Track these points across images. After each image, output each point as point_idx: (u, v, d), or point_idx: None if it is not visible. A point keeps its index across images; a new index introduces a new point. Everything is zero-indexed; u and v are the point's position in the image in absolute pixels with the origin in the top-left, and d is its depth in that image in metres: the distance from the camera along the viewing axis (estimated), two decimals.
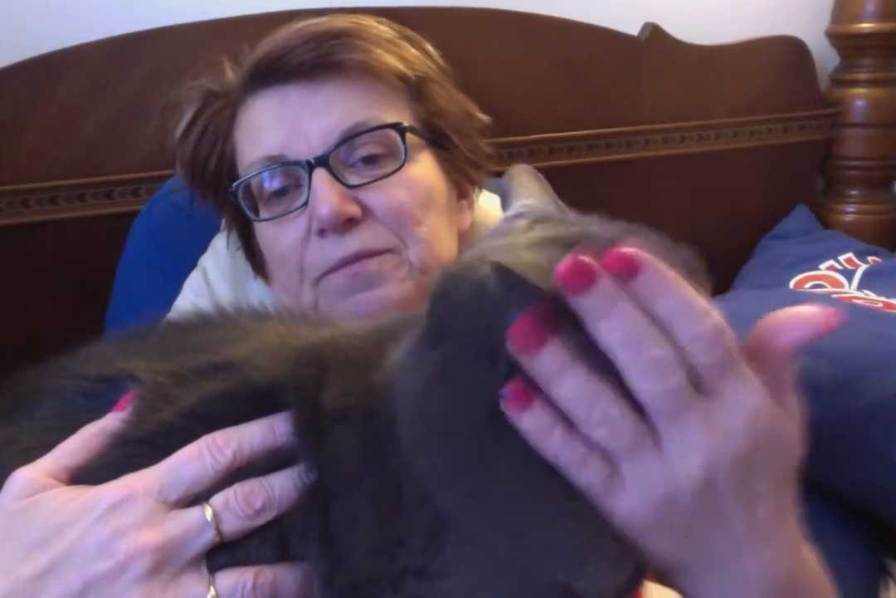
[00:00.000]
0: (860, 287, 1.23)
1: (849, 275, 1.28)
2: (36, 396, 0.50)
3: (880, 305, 1.11)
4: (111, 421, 0.46)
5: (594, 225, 0.43)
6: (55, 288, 1.10)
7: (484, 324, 0.38)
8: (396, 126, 0.74)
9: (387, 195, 0.73)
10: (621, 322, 0.36)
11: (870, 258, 1.33)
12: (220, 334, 0.51)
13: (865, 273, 1.27)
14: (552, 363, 0.37)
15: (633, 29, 1.34)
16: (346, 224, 0.71)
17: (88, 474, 0.45)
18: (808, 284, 1.28)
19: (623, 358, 0.36)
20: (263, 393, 0.45)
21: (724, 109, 1.41)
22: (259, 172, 0.75)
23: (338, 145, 0.72)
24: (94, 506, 0.42)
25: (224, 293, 0.93)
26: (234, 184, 0.77)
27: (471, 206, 0.86)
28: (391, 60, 0.76)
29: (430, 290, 0.41)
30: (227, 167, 0.81)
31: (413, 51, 0.80)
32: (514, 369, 0.38)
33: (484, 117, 0.85)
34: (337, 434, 0.42)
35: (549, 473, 0.38)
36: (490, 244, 0.42)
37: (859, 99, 1.45)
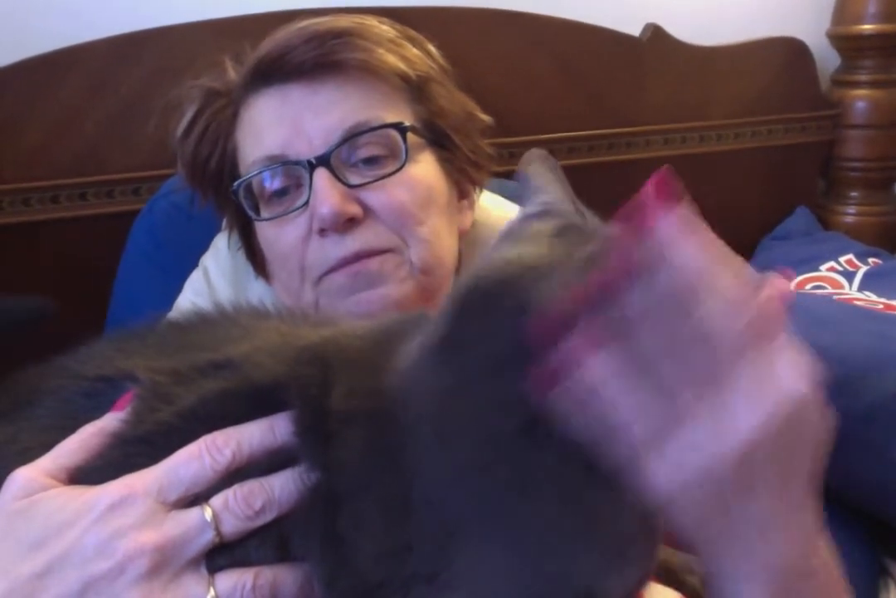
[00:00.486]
0: (861, 288, 1.23)
1: (849, 276, 1.28)
2: (35, 395, 0.50)
3: (881, 306, 1.11)
4: (110, 421, 0.46)
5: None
6: (56, 287, 1.09)
7: (505, 330, 0.38)
8: (398, 126, 0.74)
9: (388, 195, 0.73)
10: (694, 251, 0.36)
11: (870, 260, 1.33)
12: (220, 332, 0.51)
13: (866, 274, 1.27)
14: (586, 342, 0.36)
15: (635, 29, 1.34)
16: (347, 224, 0.71)
17: (87, 474, 0.45)
18: (808, 286, 1.28)
19: (694, 291, 0.36)
20: (264, 392, 0.45)
21: (725, 110, 1.41)
22: (260, 172, 0.75)
23: (339, 145, 0.72)
24: (93, 506, 0.42)
25: (225, 292, 0.93)
26: (235, 183, 0.77)
27: (471, 206, 0.86)
28: (393, 60, 0.76)
29: (452, 295, 0.41)
30: (228, 166, 0.81)
31: (414, 51, 0.80)
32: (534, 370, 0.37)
33: (485, 118, 0.85)
34: (345, 437, 0.42)
35: (575, 478, 0.38)
36: (515, 250, 0.41)
37: (860, 100, 1.45)
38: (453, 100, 0.82)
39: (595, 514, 0.38)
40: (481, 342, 0.39)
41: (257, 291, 0.91)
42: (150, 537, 0.41)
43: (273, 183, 0.75)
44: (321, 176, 0.71)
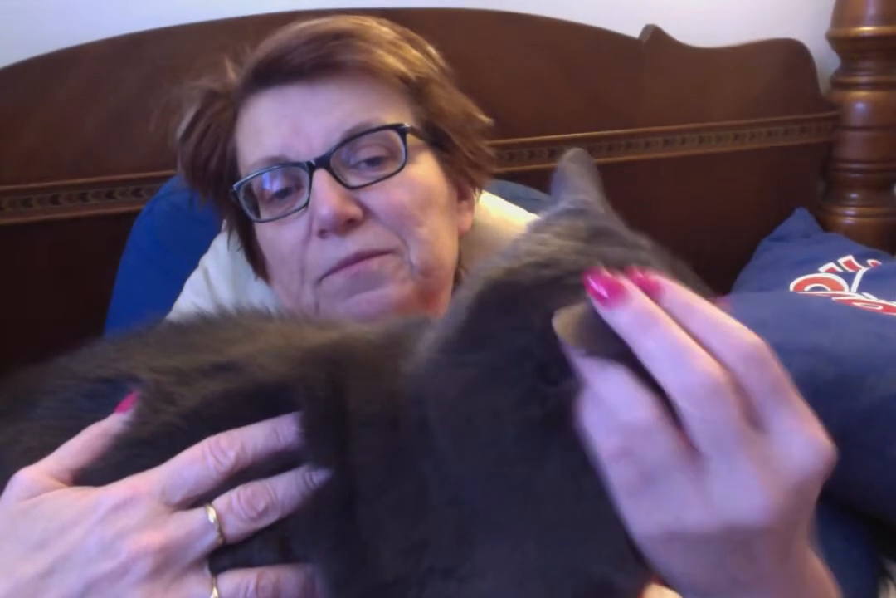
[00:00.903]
0: (860, 290, 1.23)
1: (849, 278, 1.28)
2: (36, 396, 0.50)
3: (880, 307, 1.11)
4: (114, 422, 0.46)
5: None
6: (56, 288, 1.10)
7: (526, 327, 0.38)
8: (397, 127, 0.74)
9: (387, 196, 0.73)
10: (665, 336, 0.35)
11: (870, 261, 1.34)
12: (222, 333, 0.51)
13: (865, 276, 1.27)
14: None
15: (634, 31, 1.34)
16: (347, 225, 0.71)
17: (91, 475, 0.45)
18: (807, 287, 1.28)
19: (672, 380, 0.34)
20: (268, 393, 0.45)
21: (725, 112, 1.42)
22: (259, 173, 0.75)
23: (339, 146, 0.72)
24: (96, 507, 0.42)
25: (225, 293, 0.93)
26: (235, 185, 0.77)
27: (471, 207, 0.86)
28: (392, 61, 0.76)
29: (470, 293, 0.41)
30: (228, 168, 0.81)
31: (414, 52, 0.80)
32: (553, 369, 0.37)
33: (485, 119, 0.85)
34: (363, 442, 0.42)
35: (596, 474, 0.38)
36: (543, 246, 0.41)
37: (860, 102, 1.45)
38: (453, 101, 0.82)
39: (613, 508, 0.38)
40: (500, 342, 0.39)
41: (258, 292, 0.91)
42: (154, 538, 0.41)
43: (273, 184, 0.75)
44: (321, 177, 0.71)
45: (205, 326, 0.53)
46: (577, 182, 0.48)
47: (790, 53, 1.45)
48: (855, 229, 1.47)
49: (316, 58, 0.73)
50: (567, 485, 0.38)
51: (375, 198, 0.72)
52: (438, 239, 0.75)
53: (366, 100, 0.75)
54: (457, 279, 0.81)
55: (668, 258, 0.42)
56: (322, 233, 0.72)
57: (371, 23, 0.80)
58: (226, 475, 0.43)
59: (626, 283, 0.36)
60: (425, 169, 0.77)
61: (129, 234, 1.04)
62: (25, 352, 0.53)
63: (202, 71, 0.84)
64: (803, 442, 0.35)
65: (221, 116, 0.81)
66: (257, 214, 0.78)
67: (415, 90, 0.78)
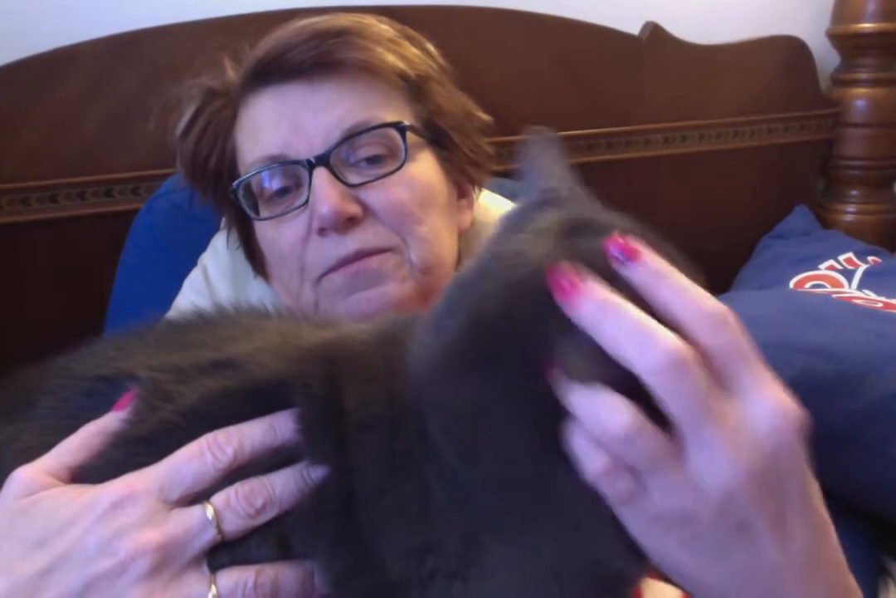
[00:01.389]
0: (860, 287, 1.23)
1: (849, 275, 1.28)
2: (35, 395, 0.50)
3: (880, 305, 1.11)
4: (112, 420, 0.46)
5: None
6: (55, 286, 1.10)
7: (525, 344, 0.38)
8: (397, 125, 0.74)
9: (387, 194, 0.73)
10: (622, 319, 0.35)
11: (870, 258, 1.34)
12: (220, 332, 0.51)
13: (865, 273, 1.27)
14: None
15: (634, 28, 1.34)
16: (347, 223, 0.71)
17: (89, 473, 0.45)
18: (807, 284, 1.28)
19: (633, 357, 0.35)
20: (266, 391, 0.45)
21: (725, 109, 1.42)
22: (259, 171, 0.75)
23: (338, 144, 0.72)
24: (94, 505, 0.42)
25: (224, 292, 0.93)
26: (235, 183, 0.77)
27: (471, 205, 0.86)
28: (392, 59, 0.76)
29: (457, 303, 0.41)
30: (227, 166, 0.81)
31: (414, 50, 0.80)
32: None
33: (485, 117, 0.85)
34: (362, 443, 0.42)
35: None
36: (525, 249, 0.41)
37: (860, 99, 1.45)
38: (452, 99, 0.82)
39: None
40: (504, 362, 0.39)
41: (257, 291, 0.91)
42: (152, 535, 0.41)
43: (272, 183, 0.75)
44: (320, 175, 0.71)
45: (203, 324, 0.53)
46: (542, 165, 0.48)
47: (790, 50, 1.44)
48: (855, 227, 1.47)
49: (315, 56, 0.73)
50: (583, 486, 0.38)
51: (375, 196, 0.72)
52: (438, 237, 0.75)
53: (365, 98, 0.75)
54: None
55: (654, 239, 0.42)
56: (322, 231, 0.72)
57: (370, 20, 0.79)
58: (224, 472, 0.43)
59: (580, 279, 0.36)
60: (425, 167, 0.77)
61: (128, 232, 1.04)
62: (25, 351, 0.53)
63: (201, 69, 0.84)
64: (768, 405, 0.36)
65: (221, 114, 0.81)
66: (256, 212, 0.78)
67: (414, 88, 0.78)
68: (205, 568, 0.42)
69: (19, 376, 0.53)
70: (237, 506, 0.42)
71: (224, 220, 0.90)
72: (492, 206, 0.94)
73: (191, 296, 0.94)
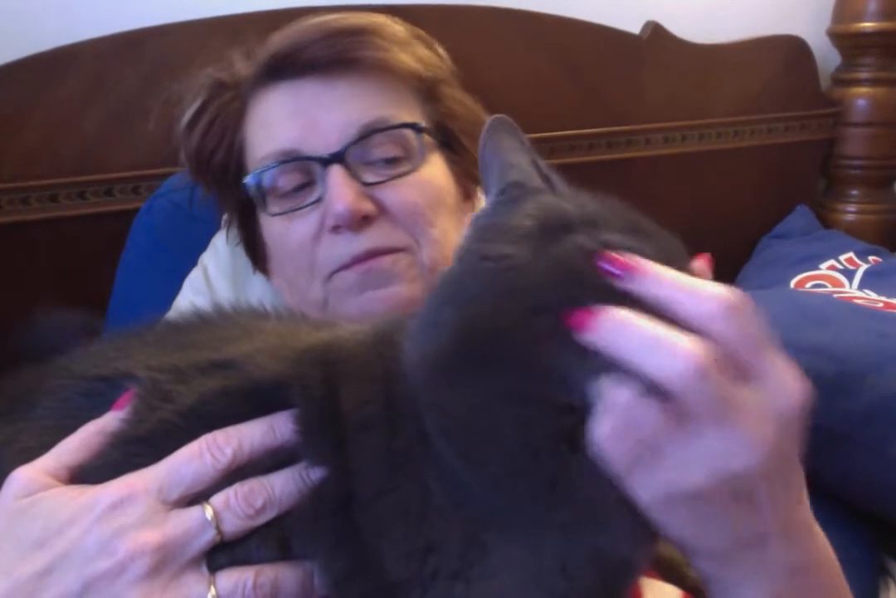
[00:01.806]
0: (861, 287, 1.23)
1: (849, 275, 1.28)
2: (34, 395, 0.50)
3: (881, 304, 1.11)
4: (111, 420, 0.46)
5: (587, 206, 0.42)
6: (55, 286, 1.10)
7: (520, 335, 0.38)
8: (414, 126, 0.74)
9: (402, 195, 0.72)
10: (636, 333, 0.36)
11: (870, 258, 1.33)
12: (219, 332, 0.51)
13: (866, 273, 1.27)
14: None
15: (635, 27, 1.34)
16: (361, 222, 0.71)
17: (88, 473, 0.45)
18: (808, 284, 1.28)
19: (658, 372, 0.36)
20: (265, 391, 0.45)
21: (725, 108, 1.41)
22: (273, 166, 0.74)
23: (355, 141, 0.72)
24: (94, 505, 0.42)
25: (225, 291, 0.93)
26: (249, 177, 0.76)
27: (474, 208, 0.86)
28: (407, 60, 0.76)
29: (443, 307, 0.41)
30: (234, 160, 0.80)
31: (427, 51, 0.80)
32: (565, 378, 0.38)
33: None
34: (361, 444, 0.42)
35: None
36: (504, 252, 0.41)
37: (860, 98, 1.45)
38: (462, 102, 0.82)
39: (628, 498, 0.39)
40: (501, 367, 0.39)
41: (257, 291, 0.91)
42: (151, 536, 0.41)
43: (285, 178, 0.74)
44: (336, 173, 0.71)
45: (202, 325, 0.53)
46: (503, 158, 0.47)
47: (791, 50, 1.44)
48: (856, 226, 1.47)
49: (333, 53, 0.73)
50: (590, 478, 0.39)
51: (390, 196, 0.72)
52: (447, 239, 0.75)
53: (380, 97, 0.75)
54: None
55: (624, 212, 0.42)
56: (335, 228, 0.71)
57: (385, 20, 0.79)
58: (223, 473, 0.43)
59: (585, 311, 0.37)
60: (437, 169, 0.77)
61: (128, 232, 1.04)
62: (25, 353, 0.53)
63: (202, 68, 0.84)
64: (781, 383, 0.38)
65: (229, 106, 0.80)
66: (266, 207, 0.77)
67: (427, 90, 0.78)
68: (204, 569, 0.42)
69: (19, 377, 0.53)
70: (236, 507, 0.42)
71: (225, 215, 0.89)
72: None
73: (191, 296, 0.94)
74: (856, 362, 0.87)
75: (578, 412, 0.38)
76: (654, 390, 0.36)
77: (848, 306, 1.05)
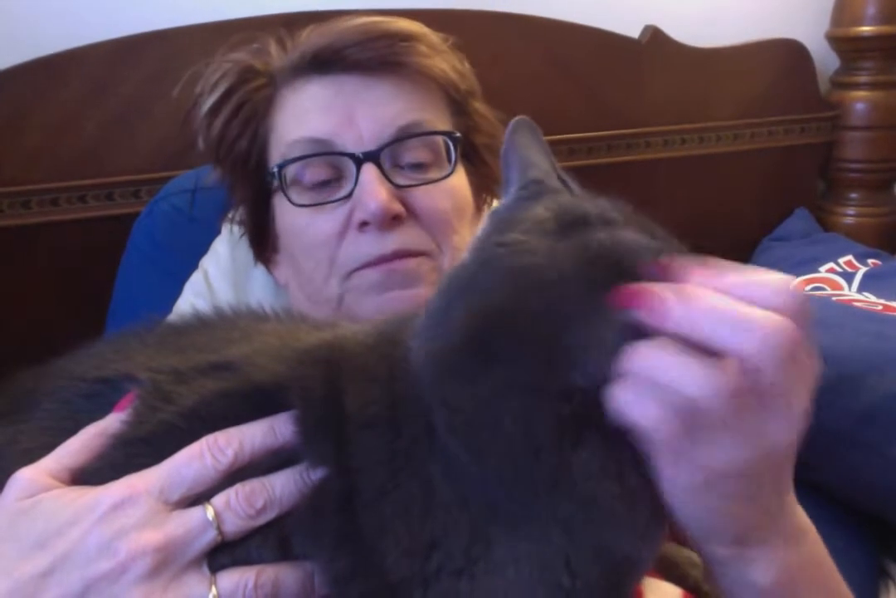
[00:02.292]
0: (860, 290, 1.23)
1: (849, 277, 1.28)
2: (35, 397, 0.50)
3: (880, 307, 1.11)
4: (112, 422, 0.46)
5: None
6: (56, 289, 1.10)
7: (535, 345, 0.38)
8: (451, 134, 0.76)
9: (432, 201, 0.73)
10: (716, 307, 0.37)
11: (870, 261, 1.34)
12: (219, 334, 0.51)
13: (865, 276, 1.27)
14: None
15: (634, 31, 1.34)
16: (391, 222, 0.71)
17: (90, 474, 0.45)
18: (808, 287, 1.28)
19: (738, 342, 0.37)
20: (265, 393, 0.45)
21: (725, 112, 1.42)
22: (305, 157, 0.74)
23: (391, 142, 0.73)
24: (95, 506, 0.42)
25: (225, 294, 0.93)
26: (277, 164, 0.75)
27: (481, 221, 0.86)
28: (448, 69, 0.77)
29: (455, 302, 0.41)
30: (257, 146, 0.80)
31: (460, 65, 0.81)
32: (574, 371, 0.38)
33: None
34: (364, 444, 0.42)
35: (618, 465, 0.39)
36: (518, 252, 0.41)
37: (859, 102, 1.45)
38: (487, 117, 0.83)
39: (633, 494, 0.39)
40: (511, 359, 0.39)
41: (257, 293, 0.91)
42: (152, 537, 0.41)
43: (312, 170, 0.74)
44: (370, 171, 0.71)
45: (202, 327, 0.53)
46: (525, 156, 0.48)
47: (790, 53, 1.45)
48: (855, 229, 1.47)
49: (383, 55, 0.74)
50: (596, 472, 0.39)
51: (419, 200, 0.73)
52: (465, 249, 0.75)
53: (418, 102, 0.75)
54: None
55: (631, 214, 0.43)
56: (363, 226, 0.71)
57: (426, 29, 0.80)
58: (224, 474, 0.43)
59: (647, 289, 0.38)
60: (462, 179, 0.78)
61: (129, 235, 1.05)
62: (26, 354, 0.53)
63: (201, 73, 0.84)
64: (814, 363, 0.41)
65: (259, 93, 0.79)
66: (289, 197, 0.76)
67: (459, 102, 0.79)
68: (205, 569, 0.42)
69: (19, 378, 0.53)
70: (237, 507, 0.42)
71: (227, 215, 0.88)
72: None
73: (191, 298, 0.94)
74: (855, 363, 0.87)
75: (585, 398, 0.38)
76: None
77: (847, 308, 1.05)
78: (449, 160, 0.76)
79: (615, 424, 0.39)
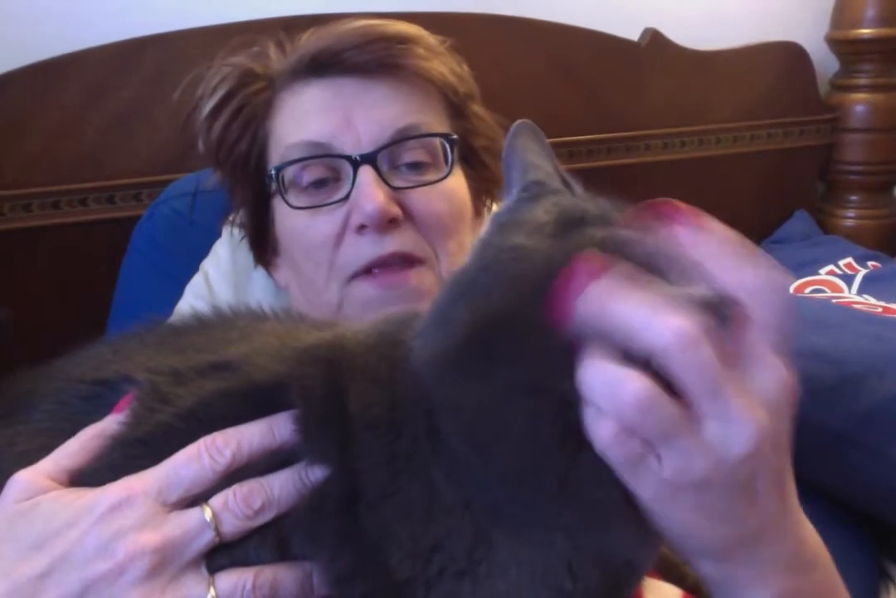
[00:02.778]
0: (860, 292, 1.23)
1: (849, 280, 1.28)
2: (33, 398, 0.50)
3: (880, 309, 1.11)
4: (110, 423, 0.46)
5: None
6: (57, 292, 1.10)
7: (531, 346, 0.38)
8: (448, 136, 0.76)
9: (428, 203, 0.73)
10: (624, 308, 0.36)
11: (869, 263, 1.34)
12: (218, 334, 0.51)
13: (865, 278, 1.27)
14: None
15: (634, 34, 1.35)
16: (388, 225, 0.71)
17: (88, 476, 0.45)
18: (808, 289, 1.28)
19: (650, 342, 0.36)
20: (264, 393, 0.45)
21: (725, 114, 1.42)
22: (303, 159, 0.74)
23: (389, 144, 0.73)
24: (93, 508, 0.42)
25: (226, 297, 0.93)
26: (276, 166, 0.76)
27: (481, 224, 0.86)
28: (447, 72, 0.78)
29: (455, 305, 0.41)
30: (256, 149, 0.80)
31: (458, 67, 0.81)
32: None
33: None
34: (367, 445, 0.42)
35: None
36: (523, 249, 0.41)
37: (859, 104, 1.45)
38: (486, 121, 0.83)
39: (634, 498, 0.39)
40: (512, 359, 0.39)
41: (257, 295, 0.91)
42: (150, 538, 0.41)
43: (309, 171, 0.74)
44: (367, 173, 0.71)
45: (201, 327, 0.53)
46: (526, 158, 0.48)
47: (789, 56, 1.45)
48: (855, 231, 1.48)
49: (381, 57, 0.74)
50: (599, 475, 0.39)
51: (416, 203, 0.73)
52: (462, 253, 0.75)
53: (416, 104, 0.76)
54: None
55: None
56: (361, 229, 0.71)
57: (425, 32, 0.80)
58: (222, 474, 0.43)
59: (573, 283, 0.37)
60: (460, 182, 0.78)
61: (129, 238, 1.05)
62: (26, 356, 0.53)
63: (202, 76, 0.84)
64: (774, 372, 0.38)
65: (258, 97, 0.79)
66: (287, 199, 0.77)
67: (457, 105, 0.79)
68: (203, 570, 0.42)
69: (18, 380, 0.53)
70: (235, 508, 0.42)
71: (227, 218, 0.88)
72: None
73: (192, 301, 0.94)
74: (855, 365, 0.87)
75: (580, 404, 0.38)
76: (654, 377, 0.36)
77: (847, 310, 1.05)
78: (446, 162, 0.76)
79: None
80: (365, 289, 0.72)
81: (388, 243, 0.71)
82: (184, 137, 0.84)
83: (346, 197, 0.72)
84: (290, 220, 0.77)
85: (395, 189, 0.72)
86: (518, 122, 0.50)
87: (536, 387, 0.39)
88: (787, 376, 0.38)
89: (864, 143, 1.46)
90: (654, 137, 1.37)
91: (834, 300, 1.17)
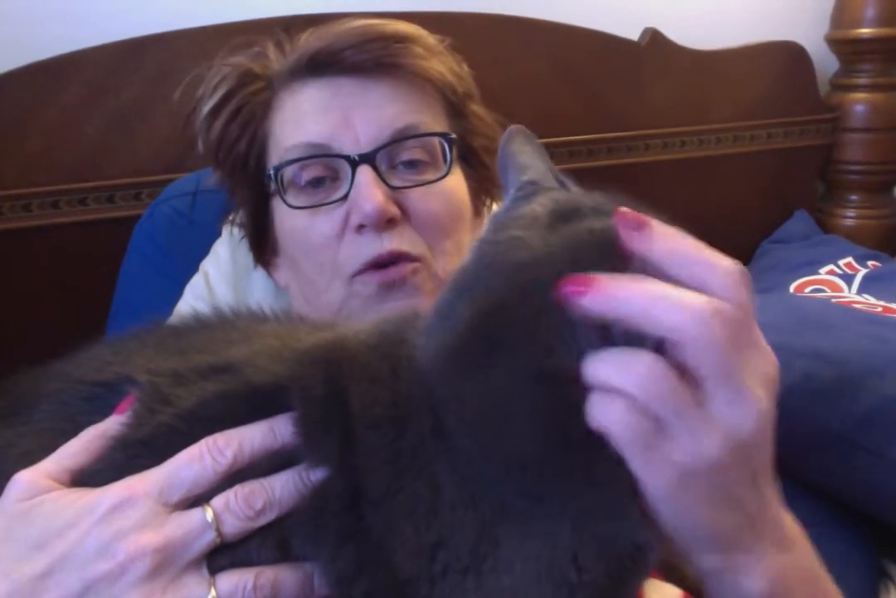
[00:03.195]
0: (860, 292, 1.23)
1: (849, 279, 1.28)
2: (34, 399, 0.50)
3: (880, 309, 1.11)
4: (112, 424, 0.46)
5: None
6: (57, 292, 1.10)
7: (536, 322, 0.39)
8: (447, 136, 0.76)
9: (426, 202, 0.73)
10: (639, 293, 0.37)
11: (869, 263, 1.34)
12: (218, 336, 0.51)
13: (865, 277, 1.27)
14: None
15: (634, 34, 1.35)
16: (386, 224, 0.71)
17: (89, 476, 0.45)
18: (807, 289, 1.28)
19: (665, 324, 0.37)
20: (265, 394, 0.45)
21: (725, 114, 1.42)
22: (302, 159, 0.74)
23: (387, 144, 0.73)
24: (94, 508, 0.42)
25: (226, 297, 0.93)
26: (274, 166, 0.76)
27: (481, 225, 0.86)
28: (446, 72, 0.78)
29: (459, 300, 0.41)
30: (256, 150, 0.80)
31: (457, 67, 0.81)
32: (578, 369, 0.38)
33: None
34: (370, 444, 0.42)
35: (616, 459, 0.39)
36: (521, 245, 0.41)
37: (859, 104, 1.46)
38: (485, 120, 0.83)
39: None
40: (515, 353, 0.39)
41: (257, 295, 0.91)
42: (152, 538, 0.41)
43: (308, 171, 0.74)
44: (365, 173, 0.71)
45: (201, 328, 0.53)
46: (520, 160, 0.48)
47: (789, 56, 1.45)
48: (855, 231, 1.48)
49: (378, 57, 0.74)
50: (607, 459, 0.39)
51: (415, 202, 0.73)
52: (460, 253, 0.75)
53: (415, 103, 0.76)
54: None
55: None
56: (360, 228, 0.71)
57: (423, 31, 0.80)
58: (223, 475, 0.43)
59: (580, 278, 0.38)
60: (458, 182, 0.78)
61: (129, 238, 1.05)
62: (26, 356, 0.53)
63: (203, 75, 0.84)
64: (766, 352, 0.40)
65: (257, 97, 0.79)
66: (286, 199, 0.77)
67: (456, 104, 0.79)
68: (204, 571, 0.42)
69: (19, 380, 0.53)
70: (236, 508, 0.42)
71: (228, 217, 0.88)
72: None
73: (192, 301, 0.94)
74: (855, 365, 0.87)
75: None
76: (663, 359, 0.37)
77: (847, 310, 1.05)
78: (444, 161, 0.75)
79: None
80: (365, 287, 0.72)
81: (386, 242, 0.71)
82: (184, 136, 0.84)
83: (345, 197, 0.72)
84: (289, 220, 0.77)
85: (394, 189, 0.73)
86: (510, 127, 0.51)
87: (542, 373, 0.39)
88: (775, 359, 0.40)
89: (863, 143, 1.46)
90: (654, 136, 1.37)
91: (834, 300, 1.17)
